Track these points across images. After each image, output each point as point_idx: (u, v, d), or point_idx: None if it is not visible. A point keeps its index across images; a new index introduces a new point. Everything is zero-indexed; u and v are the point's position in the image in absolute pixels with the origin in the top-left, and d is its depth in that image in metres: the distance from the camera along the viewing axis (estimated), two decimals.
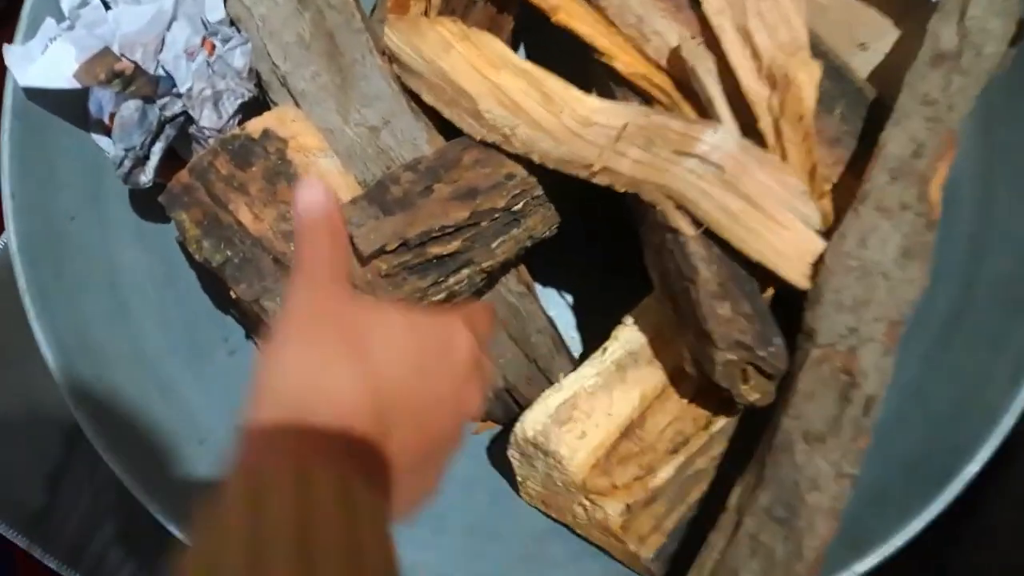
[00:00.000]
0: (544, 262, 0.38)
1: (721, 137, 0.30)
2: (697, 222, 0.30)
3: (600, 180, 0.31)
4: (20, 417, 0.45)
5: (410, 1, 0.35)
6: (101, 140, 0.33)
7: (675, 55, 0.33)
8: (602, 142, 0.31)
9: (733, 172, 0.30)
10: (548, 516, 0.35)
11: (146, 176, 0.32)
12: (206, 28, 0.34)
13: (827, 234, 0.30)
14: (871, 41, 0.35)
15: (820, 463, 0.28)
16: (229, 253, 0.31)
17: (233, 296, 0.32)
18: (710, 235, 0.30)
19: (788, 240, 0.30)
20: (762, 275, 0.31)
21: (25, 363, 0.40)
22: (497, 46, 0.33)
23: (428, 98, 0.32)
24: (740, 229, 0.30)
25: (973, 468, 0.29)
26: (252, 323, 0.36)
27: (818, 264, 0.30)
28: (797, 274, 0.30)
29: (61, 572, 0.44)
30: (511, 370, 0.38)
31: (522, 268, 0.37)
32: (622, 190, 0.31)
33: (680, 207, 0.30)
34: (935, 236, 0.30)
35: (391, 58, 0.33)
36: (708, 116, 0.32)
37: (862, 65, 0.35)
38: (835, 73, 0.33)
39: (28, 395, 0.44)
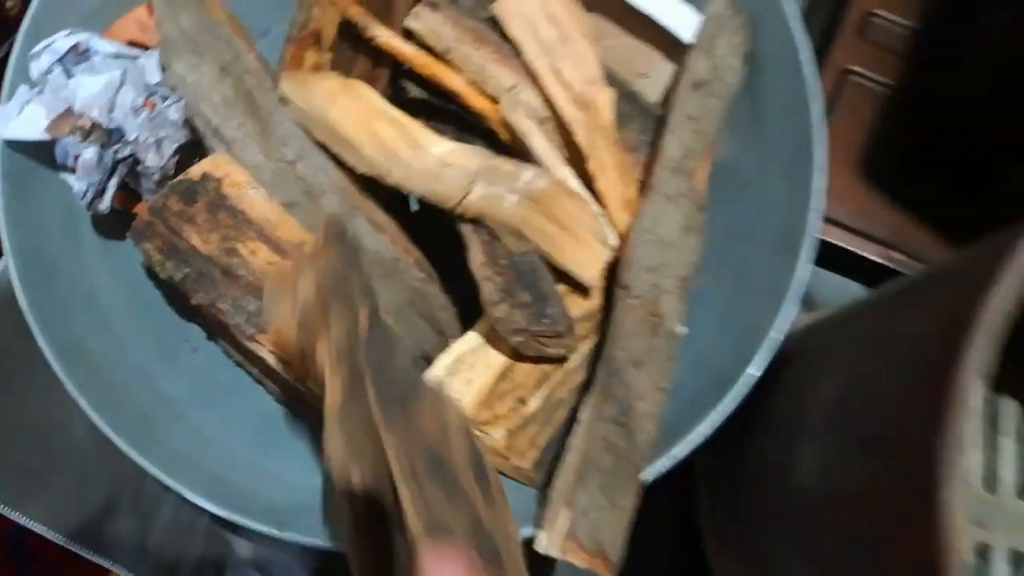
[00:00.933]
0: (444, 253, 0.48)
1: (535, 175, 0.40)
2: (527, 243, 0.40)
3: (456, 211, 0.41)
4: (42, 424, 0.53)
5: (304, 56, 0.45)
6: (69, 178, 0.43)
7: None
8: (457, 182, 0.41)
9: (546, 202, 0.40)
10: None
11: (104, 204, 0.42)
12: (147, 89, 0.44)
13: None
14: (648, 70, 0.45)
15: (644, 381, 0.38)
16: (187, 270, 0.41)
17: (194, 303, 0.41)
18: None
19: (585, 254, 0.40)
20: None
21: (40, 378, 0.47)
22: (375, 97, 0.42)
23: (320, 137, 0.42)
24: (552, 246, 0.40)
25: (753, 371, 0.39)
26: (212, 325, 0.46)
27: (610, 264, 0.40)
28: (589, 277, 0.40)
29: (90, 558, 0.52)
30: (425, 341, 0.48)
31: (422, 259, 0.47)
32: (471, 218, 0.41)
33: (512, 231, 0.40)
34: (705, 215, 0.41)
35: (287, 106, 0.42)
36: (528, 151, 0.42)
37: (645, 89, 0.45)
38: (629, 97, 0.44)
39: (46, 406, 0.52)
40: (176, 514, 0.52)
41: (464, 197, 0.40)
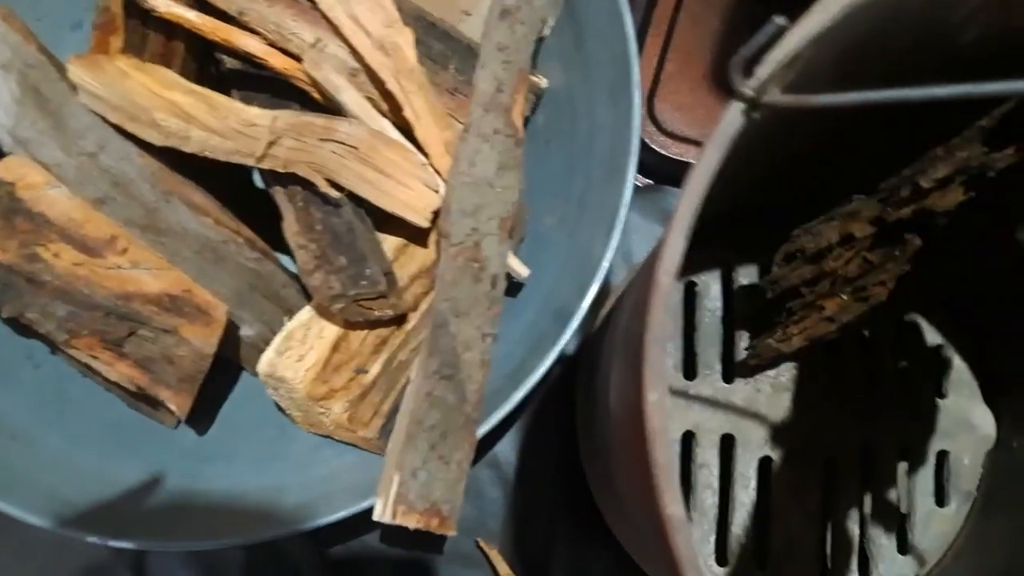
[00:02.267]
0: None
1: (353, 127, 0.38)
2: (340, 188, 0.38)
3: (264, 165, 0.39)
4: None
5: (109, 42, 0.42)
6: None
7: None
8: (263, 137, 0.39)
9: (366, 151, 0.38)
10: (316, 433, 0.43)
11: None
12: None
13: None
14: (471, 8, 0.43)
15: (469, 330, 0.37)
16: None
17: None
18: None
19: (413, 196, 0.38)
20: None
21: None
22: (168, 74, 0.40)
23: (113, 117, 0.39)
24: (374, 191, 0.38)
25: (584, 304, 0.38)
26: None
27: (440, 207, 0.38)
28: (420, 218, 0.38)
29: None
30: (275, 323, 0.46)
31: (254, 238, 0.45)
32: (282, 170, 0.39)
33: (327, 179, 0.38)
34: (522, 151, 0.39)
35: (78, 90, 0.40)
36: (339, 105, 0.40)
37: (470, 29, 0.43)
38: (445, 36, 0.42)
39: None
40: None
41: (269, 148, 0.38)
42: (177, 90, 0.39)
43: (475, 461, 0.49)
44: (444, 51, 0.43)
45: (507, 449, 0.49)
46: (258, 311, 0.45)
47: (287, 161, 0.38)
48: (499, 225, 0.38)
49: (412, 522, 0.33)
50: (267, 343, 0.46)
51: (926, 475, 0.46)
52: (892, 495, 0.46)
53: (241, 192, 0.47)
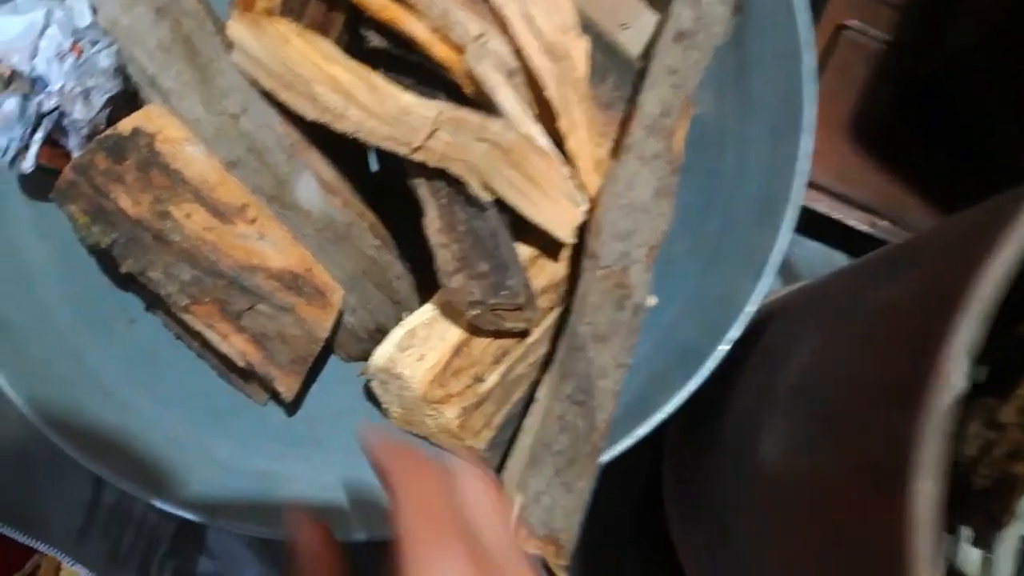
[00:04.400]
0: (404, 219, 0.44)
1: (506, 128, 0.37)
2: (491, 192, 0.37)
3: (417, 156, 0.37)
4: None
5: (255, 0, 0.41)
6: None
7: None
8: (420, 126, 0.38)
9: (517, 156, 0.37)
10: (411, 433, 0.42)
11: (27, 163, 0.38)
12: (75, 33, 0.40)
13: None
14: (631, 21, 0.42)
15: (605, 357, 0.35)
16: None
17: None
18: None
19: (558, 210, 0.37)
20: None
21: None
22: (328, 46, 0.39)
23: (266, 83, 0.38)
24: (523, 199, 0.37)
25: (722, 347, 0.36)
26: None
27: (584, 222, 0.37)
28: (566, 233, 0.37)
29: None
30: (380, 313, 0.45)
31: (377, 224, 0.43)
32: (435, 165, 0.37)
33: (483, 184, 0.37)
34: (678, 179, 0.37)
35: (234, 48, 0.39)
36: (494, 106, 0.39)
37: (626, 41, 0.42)
38: (607, 48, 0.40)
39: None
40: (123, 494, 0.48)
41: (427, 140, 0.36)
42: (338, 65, 0.38)
43: None
44: (604, 63, 0.41)
45: None
46: (366, 299, 0.44)
47: (442, 156, 0.37)
48: (647, 253, 0.36)
49: (530, 547, 0.32)
50: (367, 332, 0.45)
51: None
52: None
53: (356, 175, 0.46)
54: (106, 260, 0.41)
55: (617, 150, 0.39)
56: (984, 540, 0.42)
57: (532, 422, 0.35)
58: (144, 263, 0.37)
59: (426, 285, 0.43)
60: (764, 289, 0.37)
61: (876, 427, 0.20)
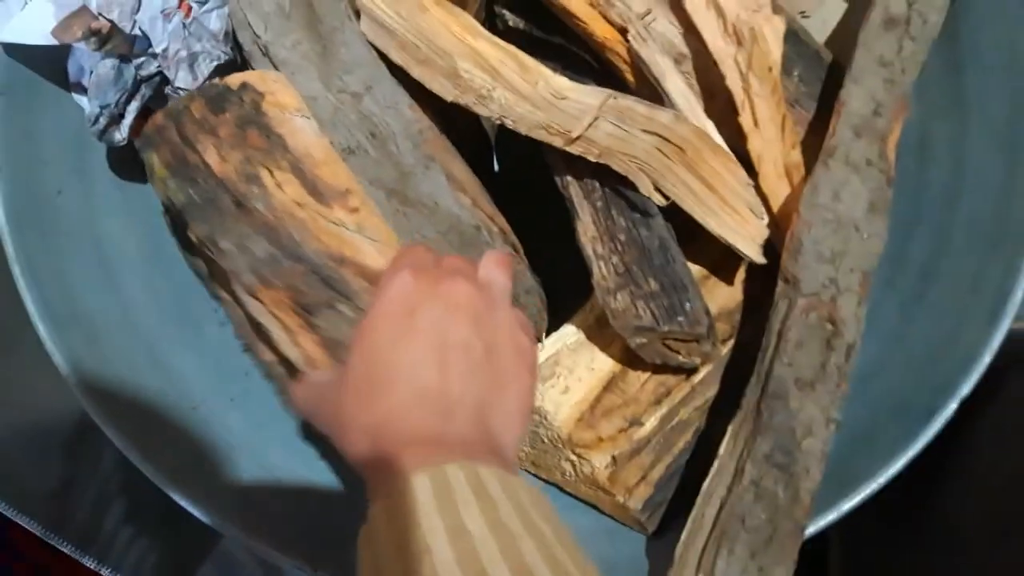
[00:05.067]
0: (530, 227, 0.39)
1: (678, 122, 0.31)
2: (666, 197, 0.31)
3: (575, 149, 0.31)
4: (25, 404, 0.45)
5: None
6: (81, 99, 0.34)
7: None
8: (580, 114, 0.31)
9: (691, 154, 0.31)
10: (539, 477, 0.35)
11: (120, 134, 0.33)
12: None
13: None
14: (810, 10, 0.35)
15: (812, 409, 0.29)
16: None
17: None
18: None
19: (739, 222, 0.31)
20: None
21: (25, 350, 0.40)
22: (469, 18, 0.33)
23: (398, 56, 0.32)
24: (701, 206, 0.31)
25: (952, 405, 0.29)
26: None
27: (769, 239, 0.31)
28: (751, 251, 0.31)
29: (71, 555, 0.44)
30: None
31: (508, 229, 0.37)
32: (594, 160, 0.31)
33: (649, 178, 0.31)
34: (892, 192, 0.31)
35: (362, 14, 0.33)
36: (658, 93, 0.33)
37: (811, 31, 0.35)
38: (793, 37, 0.34)
39: (30, 382, 0.44)
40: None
41: (587, 129, 0.30)
42: (483, 38, 0.32)
43: None
44: (789, 53, 0.35)
45: None
46: None
47: (605, 149, 0.31)
48: (861, 280, 0.29)
49: None
50: None
51: None
52: None
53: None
54: (177, 223, 0.35)
55: (814, 154, 0.32)
56: None
57: (716, 486, 0.28)
58: (217, 229, 0.31)
59: (555, 306, 0.37)
60: (1001, 334, 0.30)
61: None
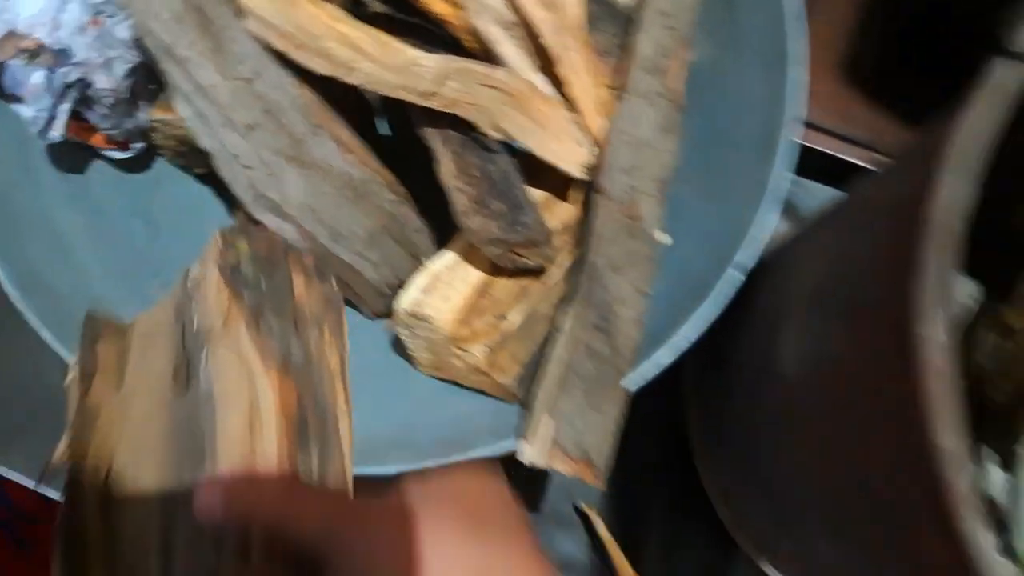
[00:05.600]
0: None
1: (510, 76, 0.39)
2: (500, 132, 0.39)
3: (431, 103, 0.39)
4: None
5: None
6: (18, 108, 0.40)
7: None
8: (428, 75, 0.39)
9: (523, 101, 0.39)
10: (439, 378, 0.43)
11: (56, 132, 0.40)
12: (94, 7, 0.41)
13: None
14: None
15: (625, 286, 0.37)
16: None
17: None
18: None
19: (565, 149, 0.39)
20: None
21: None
22: (334, 8, 0.40)
23: (279, 44, 0.40)
24: (531, 138, 0.39)
25: (736, 272, 0.38)
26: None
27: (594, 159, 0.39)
28: (574, 169, 0.39)
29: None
30: (401, 268, 0.46)
31: (394, 181, 0.45)
32: (446, 110, 0.39)
33: (490, 121, 0.39)
34: (681, 117, 0.39)
35: (245, 14, 0.40)
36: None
37: None
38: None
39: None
40: None
41: (436, 87, 0.38)
42: (346, 23, 0.40)
43: None
44: (598, 12, 0.43)
45: None
46: (386, 254, 0.46)
47: (452, 101, 0.39)
48: (657, 187, 0.38)
49: (564, 467, 0.34)
50: (389, 287, 0.47)
51: None
52: None
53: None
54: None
55: (619, 91, 0.40)
56: (1006, 459, 0.44)
57: (559, 351, 0.37)
58: None
59: (443, 240, 0.45)
60: (768, 217, 0.38)
61: (889, 306, 0.22)
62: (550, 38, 0.40)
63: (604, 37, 0.43)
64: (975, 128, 0.21)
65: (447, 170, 0.39)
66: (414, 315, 0.40)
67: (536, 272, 0.41)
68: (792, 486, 0.34)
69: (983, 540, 0.20)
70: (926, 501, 0.20)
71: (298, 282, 0.40)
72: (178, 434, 0.34)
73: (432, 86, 0.39)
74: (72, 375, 0.35)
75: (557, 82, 0.41)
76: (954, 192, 0.20)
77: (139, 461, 0.34)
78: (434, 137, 0.40)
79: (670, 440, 0.48)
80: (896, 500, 0.23)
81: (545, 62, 0.42)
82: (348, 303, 0.48)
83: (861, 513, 0.27)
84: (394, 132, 0.50)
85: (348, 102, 0.46)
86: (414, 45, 0.42)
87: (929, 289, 0.19)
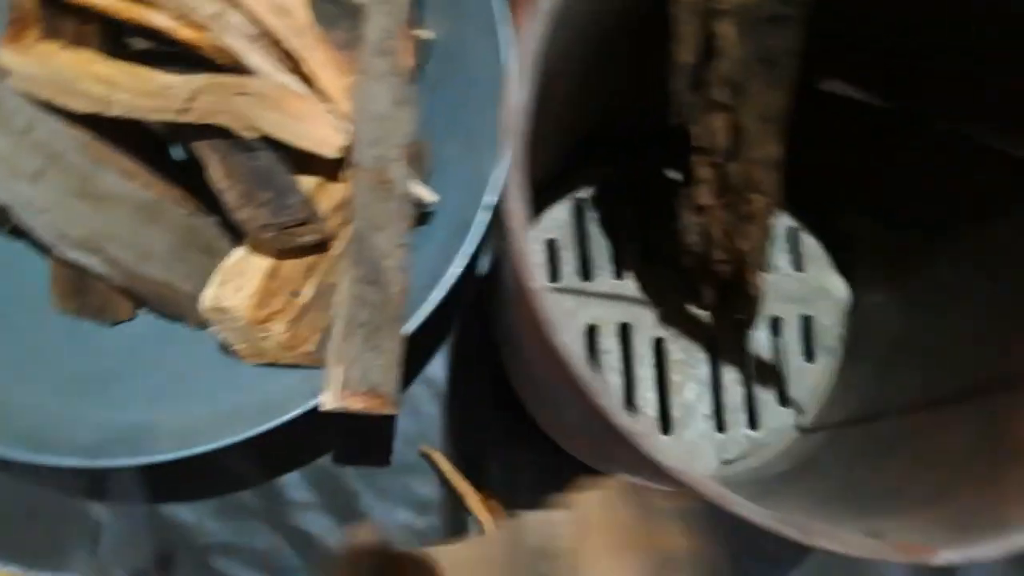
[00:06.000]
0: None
1: (262, 82, 0.44)
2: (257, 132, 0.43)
3: (187, 118, 0.43)
4: None
5: (23, 34, 0.46)
6: None
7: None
8: (183, 95, 0.44)
9: (274, 100, 0.43)
10: (261, 364, 0.48)
11: None
12: None
13: None
14: None
15: (385, 241, 0.42)
16: None
17: None
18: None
19: (322, 136, 0.44)
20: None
21: None
22: (88, 52, 0.44)
23: (43, 93, 0.43)
24: (287, 132, 0.43)
25: (479, 217, 0.43)
26: None
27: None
28: (331, 150, 0.44)
29: None
30: (209, 275, 0.50)
31: (183, 196, 0.49)
32: (201, 121, 0.43)
33: (245, 124, 0.43)
34: (415, 89, 0.44)
35: (6, 74, 0.44)
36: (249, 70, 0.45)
37: None
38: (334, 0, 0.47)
39: None
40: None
41: (190, 103, 0.42)
42: (99, 64, 0.44)
43: (410, 380, 0.55)
44: (334, 12, 0.48)
45: (439, 367, 0.55)
46: (194, 265, 0.50)
47: (206, 112, 0.43)
48: (400, 152, 0.43)
49: (357, 404, 0.39)
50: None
51: (794, 337, 0.54)
52: (768, 358, 0.54)
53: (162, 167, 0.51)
54: None
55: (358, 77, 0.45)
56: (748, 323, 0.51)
57: (340, 309, 0.42)
58: None
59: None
60: (503, 162, 0.44)
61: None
62: (291, 42, 0.45)
63: (343, 33, 0.48)
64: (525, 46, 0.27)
65: (215, 174, 0.44)
66: (215, 309, 0.44)
67: (320, 248, 0.46)
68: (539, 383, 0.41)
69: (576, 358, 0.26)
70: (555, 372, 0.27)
71: None
72: None
73: (185, 104, 0.43)
74: None
75: (307, 79, 0.46)
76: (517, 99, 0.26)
77: None
78: (201, 147, 0.45)
79: (501, 377, 0.54)
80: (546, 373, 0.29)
81: (294, 64, 0.46)
82: (175, 317, 0.52)
83: (548, 389, 0.34)
84: (187, 153, 0.54)
85: (131, 134, 0.50)
86: (176, 71, 0.47)
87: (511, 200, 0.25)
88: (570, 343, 0.27)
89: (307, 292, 0.45)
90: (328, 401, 0.39)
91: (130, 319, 0.53)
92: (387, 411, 0.40)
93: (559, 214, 0.51)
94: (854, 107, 0.47)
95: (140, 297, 0.51)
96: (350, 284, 0.41)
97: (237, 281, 0.44)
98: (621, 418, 0.26)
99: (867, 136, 0.49)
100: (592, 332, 0.52)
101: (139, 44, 0.50)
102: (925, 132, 0.46)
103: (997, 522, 0.29)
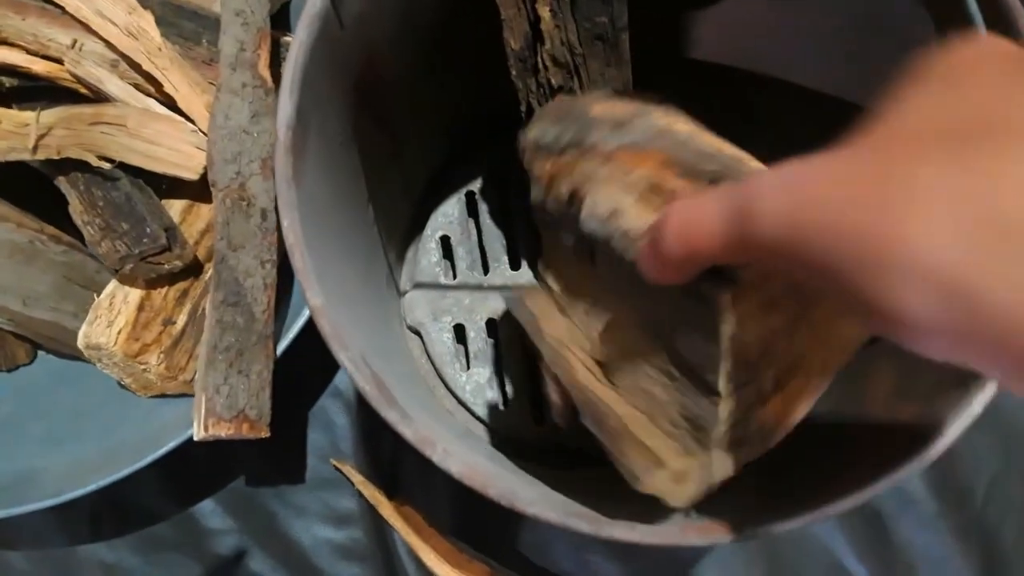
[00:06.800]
0: None
1: (120, 108, 0.43)
2: (112, 162, 0.42)
3: (39, 156, 0.42)
4: None
5: None
6: None
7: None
8: (35, 132, 0.43)
9: (134, 126, 0.42)
10: (152, 396, 0.47)
11: None
12: None
13: None
14: None
15: (247, 260, 0.41)
16: None
17: None
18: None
19: (184, 158, 0.42)
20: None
21: None
22: None
23: None
24: (144, 158, 0.42)
25: None
26: None
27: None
28: (190, 173, 0.43)
29: None
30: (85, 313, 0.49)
31: (58, 233, 0.48)
32: (56, 156, 0.42)
33: (99, 157, 0.42)
34: (273, 99, 0.43)
35: None
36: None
37: (206, 4, 0.47)
38: (194, 15, 0.46)
39: None
40: None
41: (40, 140, 0.41)
42: None
43: (319, 394, 0.54)
44: (196, 28, 0.47)
45: (346, 378, 0.54)
46: (79, 301, 0.48)
47: (59, 147, 0.42)
48: (260, 166, 0.42)
49: (223, 431, 0.38)
50: None
51: None
52: None
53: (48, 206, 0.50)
54: None
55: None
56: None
57: (204, 335, 0.41)
58: None
59: None
60: None
61: None
62: (148, 63, 0.44)
63: (205, 48, 0.47)
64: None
65: (75, 209, 0.43)
66: (89, 347, 0.43)
67: (193, 272, 0.45)
68: None
69: None
70: None
71: None
72: None
73: (35, 140, 0.42)
74: None
75: (169, 100, 0.45)
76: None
77: None
78: (62, 183, 0.44)
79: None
80: None
81: (156, 85, 0.45)
82: (70, 356, 0.51)
83: None
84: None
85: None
86: (46, 105, 0.46)
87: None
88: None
89: (181, 319, 0.44)
90: (197, 432, 0.38)
91: (29, 362, 0.52)
92: (259, 435, 0.39)
93: (450, 210, 0.50)
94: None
95: (33, 339, 0.50)
96: (211, 308, 0.40)
97: (107, 316, 0.43)
98: (389, 414, 0.25)
99: None
100: (491, 326, 0.50)
101: (8, 82, 0.49)
102: None
103: None
